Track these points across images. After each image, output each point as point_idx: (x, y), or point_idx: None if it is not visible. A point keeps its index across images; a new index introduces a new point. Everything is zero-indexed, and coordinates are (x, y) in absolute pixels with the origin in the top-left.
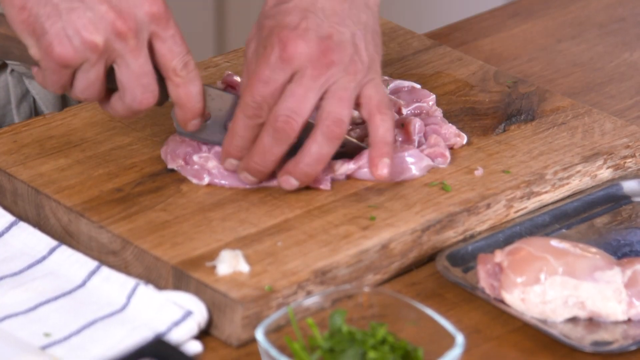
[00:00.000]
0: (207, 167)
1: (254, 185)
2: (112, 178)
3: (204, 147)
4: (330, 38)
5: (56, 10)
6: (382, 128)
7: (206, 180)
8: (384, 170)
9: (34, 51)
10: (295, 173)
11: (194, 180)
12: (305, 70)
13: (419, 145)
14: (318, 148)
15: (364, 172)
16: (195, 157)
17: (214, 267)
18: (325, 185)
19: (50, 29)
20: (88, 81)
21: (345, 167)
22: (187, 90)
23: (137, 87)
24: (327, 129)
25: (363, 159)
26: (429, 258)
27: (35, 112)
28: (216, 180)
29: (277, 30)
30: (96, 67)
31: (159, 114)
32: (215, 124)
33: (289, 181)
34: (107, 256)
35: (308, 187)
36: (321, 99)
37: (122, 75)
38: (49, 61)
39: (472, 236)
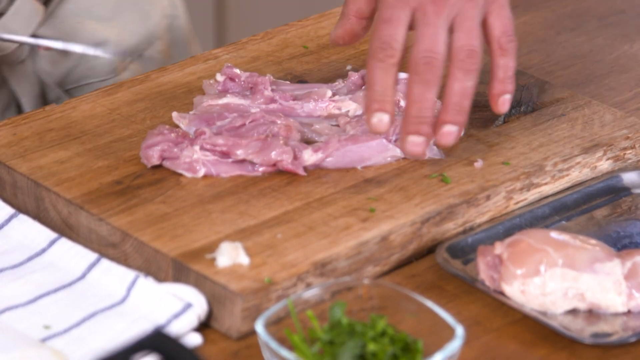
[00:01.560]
0: (196, 159)
1: (409, 157)
2: (111, 170)
3: (185, 141)
4: None
5: None
6: (502, 61)
7: (202, 172)
8: (504, 106)
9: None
10: (448, 117)
11: (189, 174)
12: (425, 7)
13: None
14: (460, 84)
15: (329, 161)
16: (185, 152)
17: (213, 259)
18: (301, 171)
19: None
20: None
21: (314, 157)
22: None
23: None
24: (462, 63)
25: (330, 148)
26: (429, 250)
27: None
28: (212, 170)
29: None
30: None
31: (158, 107)
32: None
33: (447, 130)
34: (107, 249)
35: (306, 181)
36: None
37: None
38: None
39: (471, 228)
